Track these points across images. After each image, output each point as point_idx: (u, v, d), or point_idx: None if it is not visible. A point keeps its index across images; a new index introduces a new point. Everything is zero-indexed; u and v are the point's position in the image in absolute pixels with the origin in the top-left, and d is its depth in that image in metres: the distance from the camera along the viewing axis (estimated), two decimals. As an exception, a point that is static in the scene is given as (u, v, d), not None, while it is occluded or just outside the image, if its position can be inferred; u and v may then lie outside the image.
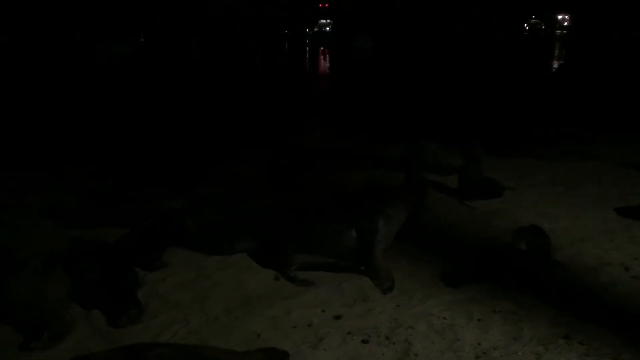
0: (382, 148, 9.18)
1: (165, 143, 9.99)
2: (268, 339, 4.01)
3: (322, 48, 30.77)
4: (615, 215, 6.20)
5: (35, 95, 14.19)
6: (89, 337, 4.10)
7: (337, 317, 4.27)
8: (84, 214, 6.33)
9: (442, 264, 5.05)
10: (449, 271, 4.89)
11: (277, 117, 12.37)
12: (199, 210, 5.90)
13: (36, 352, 3.88)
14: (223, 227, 5.54)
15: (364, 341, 3.95)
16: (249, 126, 11.37)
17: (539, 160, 8.58)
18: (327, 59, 27.54)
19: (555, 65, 20.79)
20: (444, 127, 10.21)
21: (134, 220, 5.97)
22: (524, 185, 7.29)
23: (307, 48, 30.88)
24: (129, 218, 6.06)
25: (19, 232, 5.93)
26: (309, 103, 14.16)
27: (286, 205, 6.35)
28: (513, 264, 4.85)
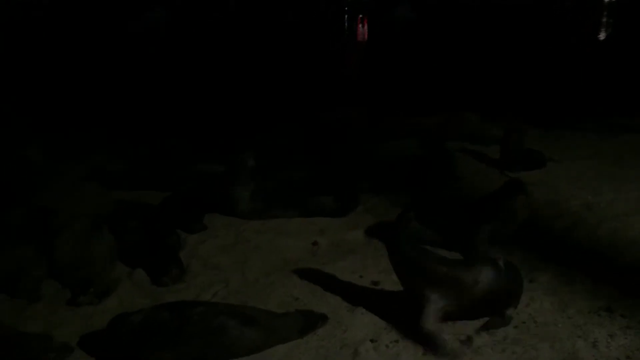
0: (421, 118, 9.05)
1: (204, 110, 10.05)
2: (306, 302, 4.07)
3: (360, 16, 30.29)
4: (661, 190, 6.02)
5: (76, 61, 14.43)
6: (132, 294, 4.25)
7: (375, 283, 4.31)
8: (127, 177, 6.47)
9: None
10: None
11: (314, 86, 12.30)
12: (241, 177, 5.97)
13: (83, 307, 4.04)
14: (266, 194, 5.61)
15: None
16: (284, 95, 11.34)
17: (583, 132, 8.34)
18: (366, 28, 27.15)
19: (603, 34, 20.07)
20: (486, 97, 9.99)
21: (175, 184, 6.09)
22: (566, 157, 7.12)
23: (346, 16, 30.41)
24: (170, 182, 6.18)
25: (65, 194, 6.12)
26: (347, 72, 14.02)
27: (326, 174, 6.38)
28: None
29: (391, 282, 4.28)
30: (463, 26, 22.26)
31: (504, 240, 4.80)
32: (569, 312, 3.86)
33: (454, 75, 12.51)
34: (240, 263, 4.67)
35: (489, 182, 6.34)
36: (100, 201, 5.82)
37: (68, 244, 4.43)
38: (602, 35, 19.07)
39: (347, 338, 3.68)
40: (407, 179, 6.38)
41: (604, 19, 22.03)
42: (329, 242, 5.03)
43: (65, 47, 17.13)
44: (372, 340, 3.62)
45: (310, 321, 3.74)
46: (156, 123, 8.96)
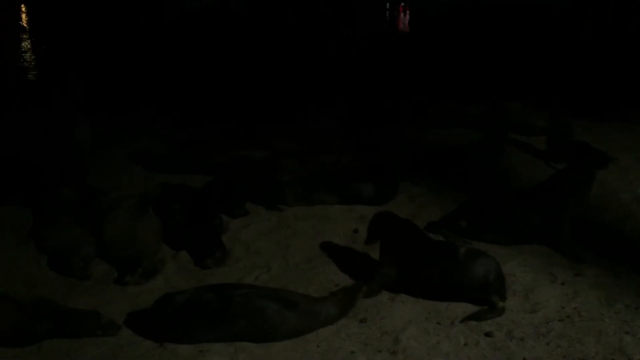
0: (464, 107, 8.91)
1: (241, 95, 10.11)
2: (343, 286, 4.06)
3: (402, 4, 29.93)
4: None
5: (119, 45, 14.70)
6: (176, 276, 4.34)
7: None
8: (171, 161, 6.57)
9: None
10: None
11: (351, 73, 12.23)
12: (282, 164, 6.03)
13: (129, 286, 4.13)
14: (307, 180, 5.64)
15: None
16: (318, 83, 11.32)
17: (633, 123, 8.09)
18: (407, 16, 26.81)
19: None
20: (531, 86, 9.77)
21: (217, 168, 6.16)
22: (616, 149, 6.89)
23: (387, 4, 30.10)
24: (212, 167, 6.25)
25: (111, 175, 6.25)
26: (385, 61, 13.87)
27: (368, 160, 6.37)
28: None
29: (433, 271, 4.25)
30: (504, 14, 21.80)
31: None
32: (616, 307, 3.77)
33: (496, 63, 12.29)
34: (281, 248, 4.71)
35: (535, 174, 6.22)
36: (145, 183, 5.92)
37: (116, 225, 4.54)
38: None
39: (387, 325, 3.68)
40: (449, 168, 6.31)
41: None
42: (369, 229, 5.01)
43: (114, 28, 17.47)
44: (413, 328, 3.62)
45: (349, 301, 3.77)
46: (201, 106, 9.07)
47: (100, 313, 3.66)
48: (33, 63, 13.25)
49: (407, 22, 25.59)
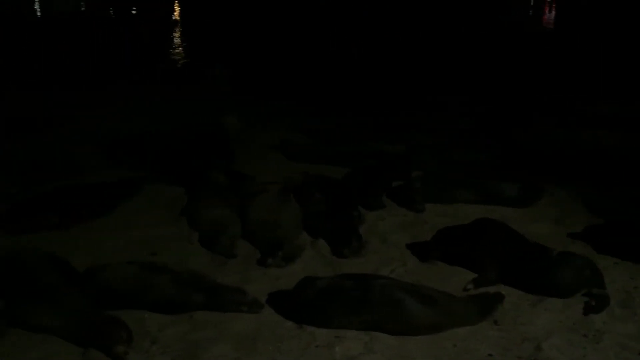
0: (612, 108, 8.27)
1: (370, 86, 10.12)
2: (484, 291, 3.96)
3: (548, 0, 28.31)
4: None
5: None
6: (314, 262, 4.45)
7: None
8: (309, 150, 6.77)
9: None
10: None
11: (486, 65, 11.79)
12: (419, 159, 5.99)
13: (271, 268, 4.31)
14: (444, 177, 5.56)
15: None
16: (451, 73, 11.04)
17: None
18: (553, 11, 25.33)
19: None
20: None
21: (354, 160, 6.25)
22: None
23: (531, 2, 28.60)
24: (349, 157, 6.35)
25: (254, 161, 6.55)
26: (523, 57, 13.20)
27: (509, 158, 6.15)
28: None
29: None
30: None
31: None
32: None
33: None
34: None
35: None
36: (285, 171, 6.14)
37: (260, 209, 4.77)
38: None
39: (529, 332, 3.55)
40: (598, 173, 5.92)
41: None
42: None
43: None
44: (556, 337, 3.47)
45: (489, 306, 3.69)
46: (336, 97, 9.24)
47: (246, 291, 3.86)
48: (183, 53, 14.20)
49: (552, 19, 24.20)
